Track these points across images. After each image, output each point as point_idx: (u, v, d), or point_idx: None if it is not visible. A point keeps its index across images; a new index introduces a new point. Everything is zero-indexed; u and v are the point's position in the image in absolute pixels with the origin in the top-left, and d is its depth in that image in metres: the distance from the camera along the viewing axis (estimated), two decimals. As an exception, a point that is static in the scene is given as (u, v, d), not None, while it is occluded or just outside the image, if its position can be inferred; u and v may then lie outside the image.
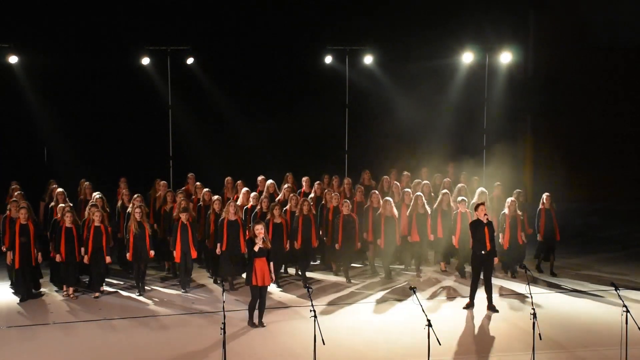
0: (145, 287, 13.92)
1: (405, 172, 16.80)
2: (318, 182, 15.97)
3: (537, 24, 19.85)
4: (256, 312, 11.94)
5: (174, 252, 13.75)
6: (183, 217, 13.69)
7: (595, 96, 19.32)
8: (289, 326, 12.02)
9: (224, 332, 9.34)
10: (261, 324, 11.93)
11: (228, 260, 13.70)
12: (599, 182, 18.56)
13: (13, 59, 17.04)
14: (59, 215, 13.55)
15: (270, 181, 15.62)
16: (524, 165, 18.12)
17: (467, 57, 19.11)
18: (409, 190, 15.44)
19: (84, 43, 17.21)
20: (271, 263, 11.90)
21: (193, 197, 15.61)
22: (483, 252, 12.64)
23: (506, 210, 14.62)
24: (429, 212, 14.93)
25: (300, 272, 14.64)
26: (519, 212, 14.73)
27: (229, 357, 9.55)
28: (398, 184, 16.00)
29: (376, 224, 14.63)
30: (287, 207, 14.64)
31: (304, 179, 16.05)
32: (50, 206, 14.65)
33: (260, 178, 16.02)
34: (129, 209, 14.09)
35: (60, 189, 14.52)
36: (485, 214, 12.69)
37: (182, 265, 13.84)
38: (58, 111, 17.92)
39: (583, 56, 19.03)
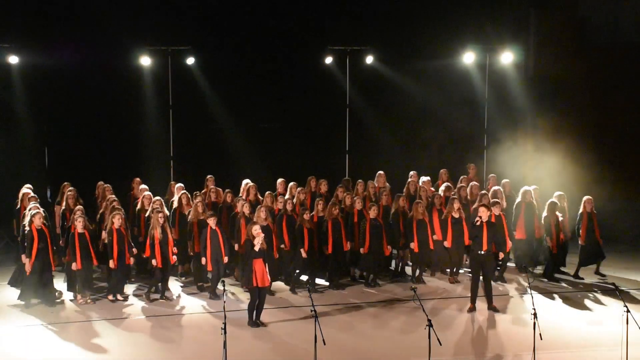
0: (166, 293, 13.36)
1: (428, 178, 16.27)
2: (340, 185, 15.59)
3: (538, 24, 19.82)
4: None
5: (204, 259, 13.18)
6: (211, 222, 13.16)
7: (596, 96, 19.31)
8: (289, 326, 12.02)
9: (225, 332, 9.33)
10: (261, 323, 11.94)
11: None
12: (599, 182, 18.52)
13: (13, 59, 17.04)
14: (69, 220, 13.18)
15: (292, 183, 15.24)
16: (525, 165, 18.09)
17: (468, 57, 19.07)
18: (441, 193, 15.14)
19: (83, 43, 17.18)
20: (266, 264, 11.88)
21: (206, 200, 15.04)
22: (480, 252, 12.62)
23: (546, 212, 14.52)
24: (464, 217, 14.46)
25: (311, 279, 14.20)
26: (559, 215, 14.62)
27: (229, 357, 9.53)
28: (426, 187, 15.56)
29: (407, 228, 14.34)
30: (314, 212, 14.21)
31: (321, 181, 15.66)
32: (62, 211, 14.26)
33: (280, 180, 15.59)
34: (148, 212, 13.65)
35: (70, 192, 14.20)
36: (479, 215, 12.57)
37: (215, 272, 13.22)
38: (57, 112, 17.90)
39: (583, 56, 19.03)
